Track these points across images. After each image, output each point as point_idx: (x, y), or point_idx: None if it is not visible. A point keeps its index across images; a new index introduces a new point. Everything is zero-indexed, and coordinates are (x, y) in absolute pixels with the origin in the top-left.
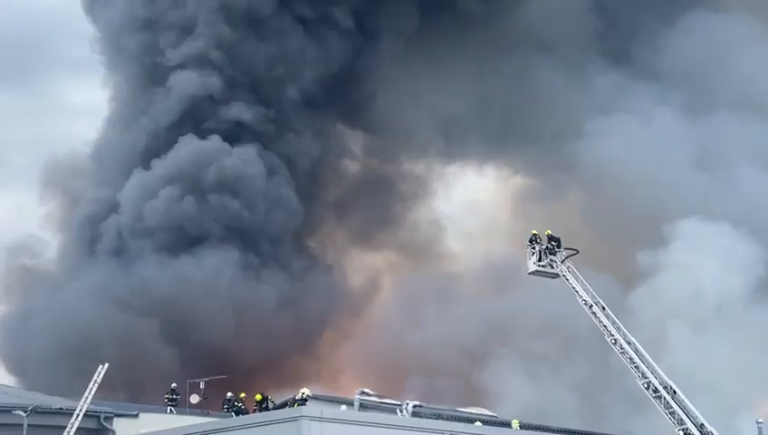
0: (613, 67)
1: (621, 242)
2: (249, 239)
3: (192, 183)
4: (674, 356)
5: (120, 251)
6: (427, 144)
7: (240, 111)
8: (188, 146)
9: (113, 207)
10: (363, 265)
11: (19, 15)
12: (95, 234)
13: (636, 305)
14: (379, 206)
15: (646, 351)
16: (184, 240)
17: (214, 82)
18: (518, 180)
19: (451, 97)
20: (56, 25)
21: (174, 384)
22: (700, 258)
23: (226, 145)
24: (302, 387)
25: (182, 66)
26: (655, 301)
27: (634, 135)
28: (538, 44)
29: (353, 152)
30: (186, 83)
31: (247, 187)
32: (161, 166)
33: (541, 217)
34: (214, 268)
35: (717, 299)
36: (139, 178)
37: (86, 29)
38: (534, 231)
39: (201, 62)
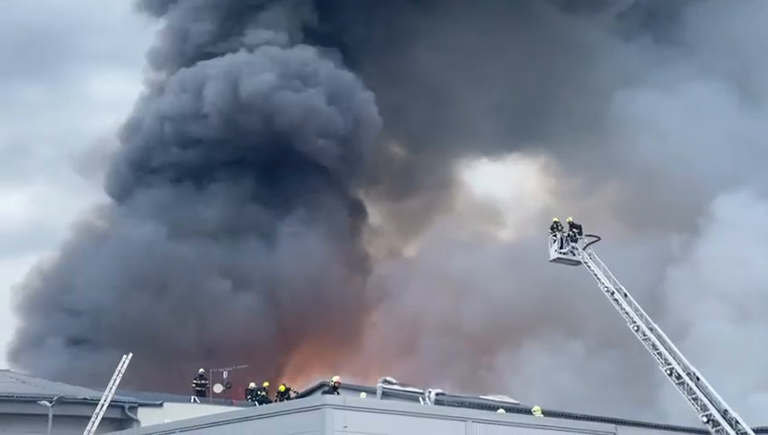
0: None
1: (661, 223)
2: None
3: None
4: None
5: None
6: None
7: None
8: None
9: None
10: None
11: (42, 9)
12: None
13: (671, 290)
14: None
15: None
16: None
17: None
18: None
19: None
20: (78, 19)
21: (201, 370)
22: (743, 240)
23: None
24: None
25: None
26: (693, 284)
27: (670, 110)
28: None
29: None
30: None
31: None
32: None
33: (577, 204)
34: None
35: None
36: None
37: (108, 22)
38: (556, 219)
39: None
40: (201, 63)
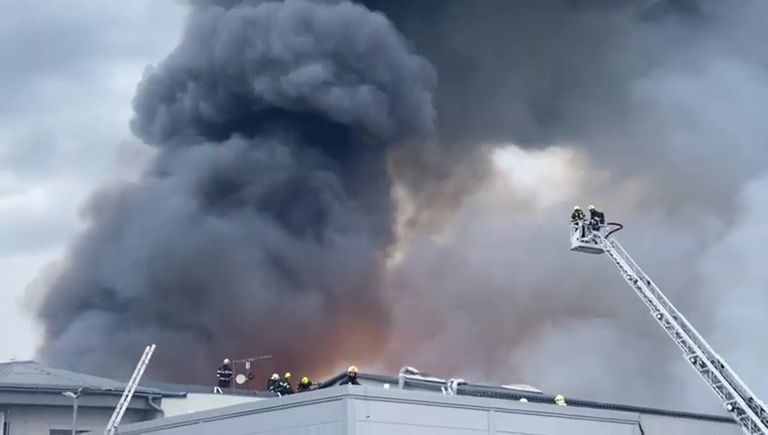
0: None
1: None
2: None
3: None
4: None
5: None
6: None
7: None
8: None
9: None
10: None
11: (65, 4)
12: None
13: (704, 278)
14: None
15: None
16: None
17: None
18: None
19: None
20: (102, 13)
21: (226, 360)
22: None
23: None
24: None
25: None
26: (726, 272)
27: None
28: None
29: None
30: None
31: None
32: None
33: (606, 194)
34: None
35: None
36: None
37: (132, 16)
38: (577, 207)
39: None
40: None
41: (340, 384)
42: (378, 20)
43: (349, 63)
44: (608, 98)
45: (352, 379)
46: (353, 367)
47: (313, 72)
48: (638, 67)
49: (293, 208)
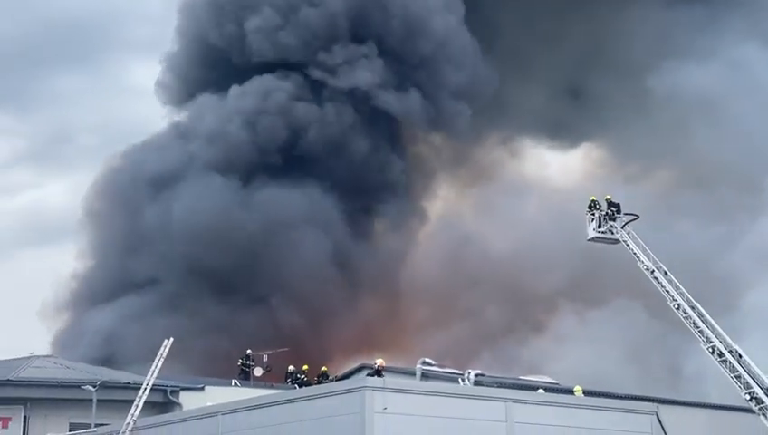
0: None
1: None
2: None
3: None
4: None
5: None
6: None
7: None
8: None
9: None
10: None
11: None
12: None
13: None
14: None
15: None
16: None
17: None
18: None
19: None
20: (120, 8)
21: (249, 351)
22: None
23: None
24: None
25: None
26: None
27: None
28: None
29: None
30: None
31: None
32: None
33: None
34: None
35: None
36: None
37: (150, 10)
38: (593, 197)
39: None
40: None
41: (367, 376)
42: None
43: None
44: (629, 88)
45: (378, 372)
46: (380, 360)
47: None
48: (659, 53)
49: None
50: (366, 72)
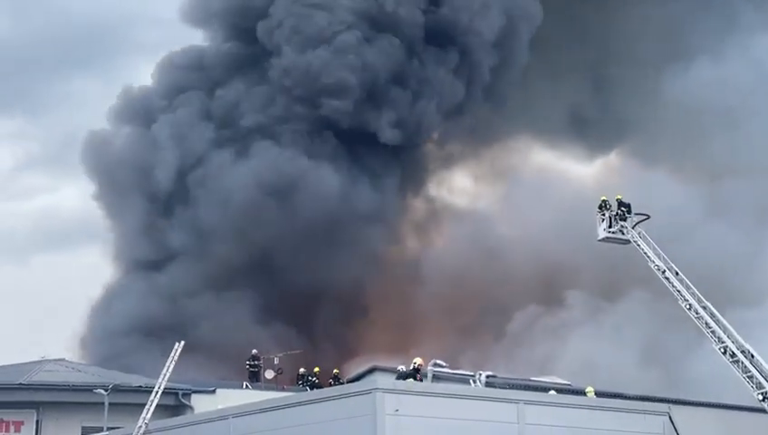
0: None
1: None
2: None
3: None
4: None
5: None
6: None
7: None
8: None
9: None
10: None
11: (96, 1)
12: None
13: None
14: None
15: None
16: None
17: None
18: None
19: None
20: (133, 11)
21: (255, 351)
22: None
23: None
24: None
25: None
26: None
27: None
28: None
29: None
30: None
31: None
32: None
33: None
34: None
35: None
36: None
37: (162, 13)
38: (604, 197)
39: None
40: None
41: (396, 378)
42: None
43: None
44: (644, 93)
45: (417, 371)
46: (419, 359)
47: None
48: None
49: None
50: None
